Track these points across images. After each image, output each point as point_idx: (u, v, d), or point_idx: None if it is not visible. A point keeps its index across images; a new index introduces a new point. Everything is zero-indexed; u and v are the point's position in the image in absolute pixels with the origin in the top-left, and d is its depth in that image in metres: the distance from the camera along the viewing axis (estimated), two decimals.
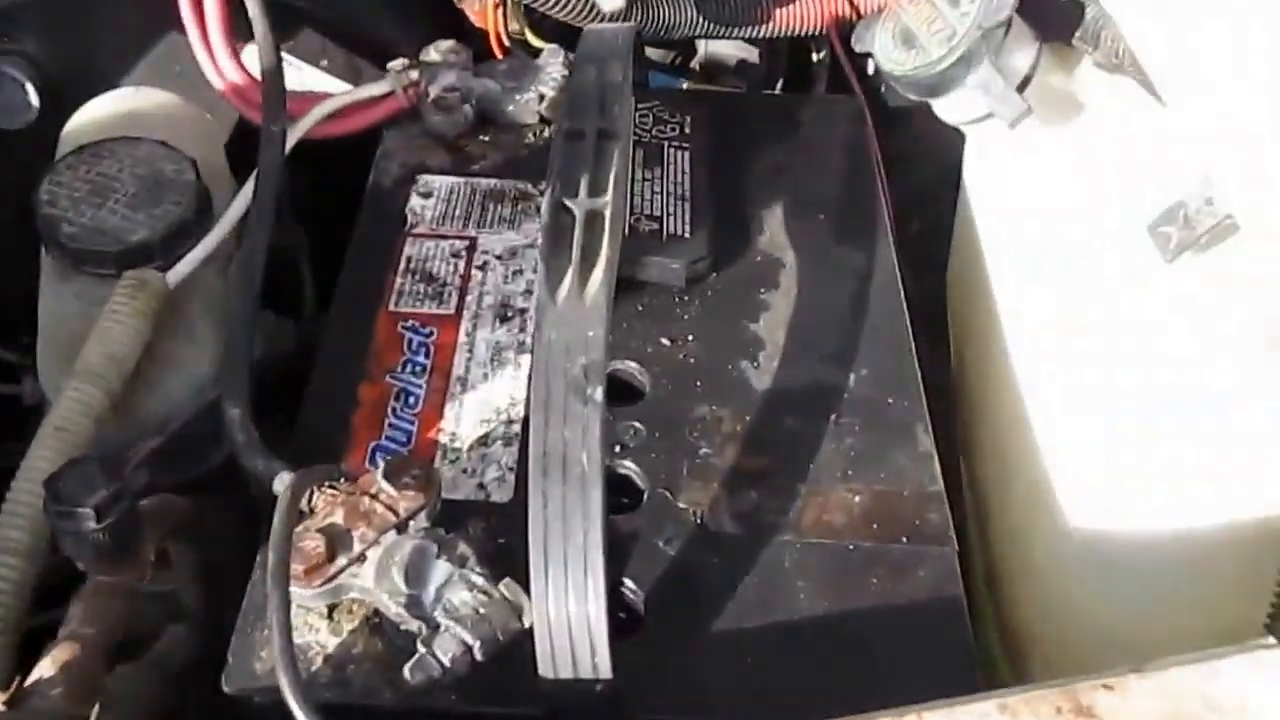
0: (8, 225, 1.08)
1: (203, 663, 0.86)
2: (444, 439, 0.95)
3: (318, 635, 0.82)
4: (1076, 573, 1.00)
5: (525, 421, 0.95)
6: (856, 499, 0.92)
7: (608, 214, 0.87)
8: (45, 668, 0.79)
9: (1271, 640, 0.67)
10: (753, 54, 1.46)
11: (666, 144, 1.20)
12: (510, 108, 1.22)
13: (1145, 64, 0.89)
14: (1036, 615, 1.05)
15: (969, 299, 1.21)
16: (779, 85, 1.48)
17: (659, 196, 1.13)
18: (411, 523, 0.82)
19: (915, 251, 1.18)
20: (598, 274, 0.83)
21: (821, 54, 1.42)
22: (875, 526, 0.90)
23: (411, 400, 0.97)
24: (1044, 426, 1.02)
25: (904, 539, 0.90)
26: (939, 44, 0.99)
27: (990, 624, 1.09)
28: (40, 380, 1.04)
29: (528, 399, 0.96)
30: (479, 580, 0.79)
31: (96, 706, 0.78)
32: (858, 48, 1.11)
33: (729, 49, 1.46)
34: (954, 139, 1.20)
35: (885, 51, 1.05)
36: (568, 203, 0.87)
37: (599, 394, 0.78)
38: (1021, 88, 0.98)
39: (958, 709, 0.62)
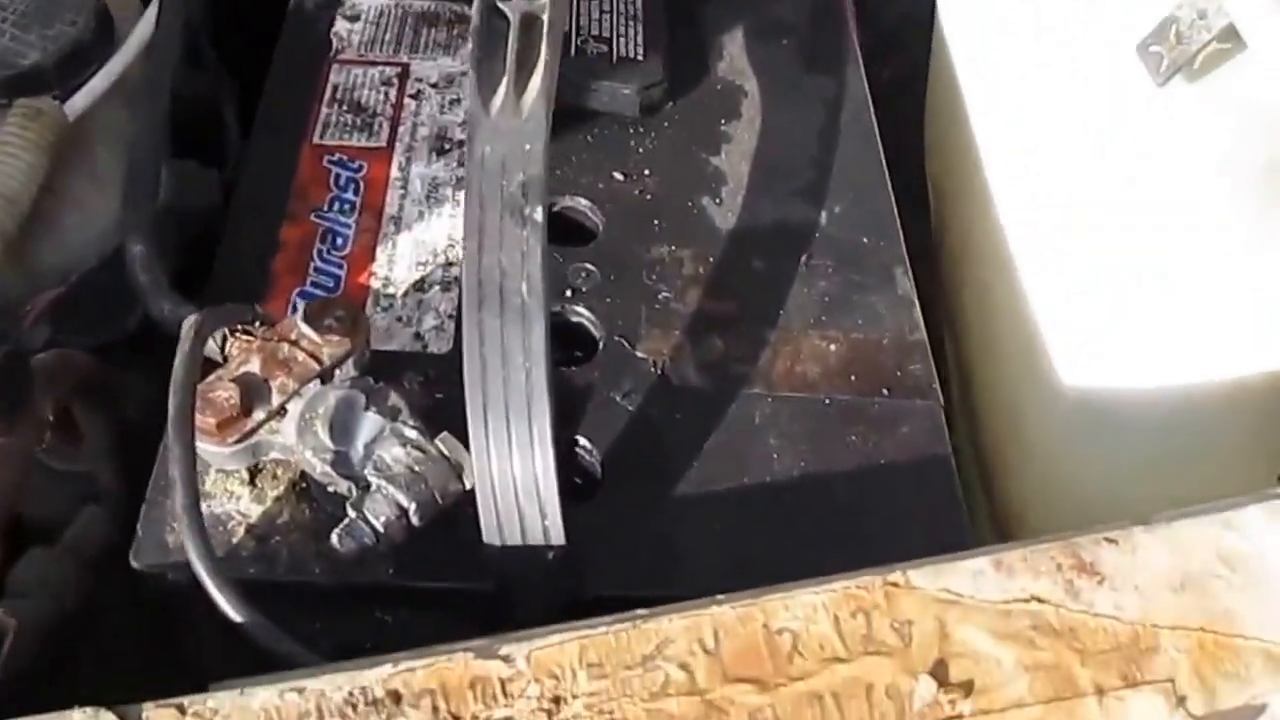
0: None
1: (122, 546, 0.79)
2: (376, 284, 0.88)
3: (238, 504, 0.76)
4: (1069, 438, 0.96)
5: None
6: (832, 348, 0.87)
7: (546, 16, 0.79)
8: None
9: None
10: None
11: None
12: None
13: None
14: (1026, 487, 1.01)
15: (948, 147, 1.15)
16: None
17: (607, 16, 1.06)
18: (337, 372, 0.75)
19: (887, 102, 1.12)
20: (535, 82, 0.76)
21: None
22: (853, 378, 0.85)
23: (339, 241, 0.90)
24: (1032, 281, 0.97)
25: (885, 391, 0.85)
26: None
27: (976, 497, 1.05)
28: None
29: None
30: (413, 435, 0.72)
31: None
32: None
33: None
34: None
35: None
36: (501, 4, 0.80)
37: (539, 214, 0.71)
38: None
39: (946, 565, 0.59)
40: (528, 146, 0.73)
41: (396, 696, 0.54)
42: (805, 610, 0.57)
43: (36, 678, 0.70)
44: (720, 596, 0.58)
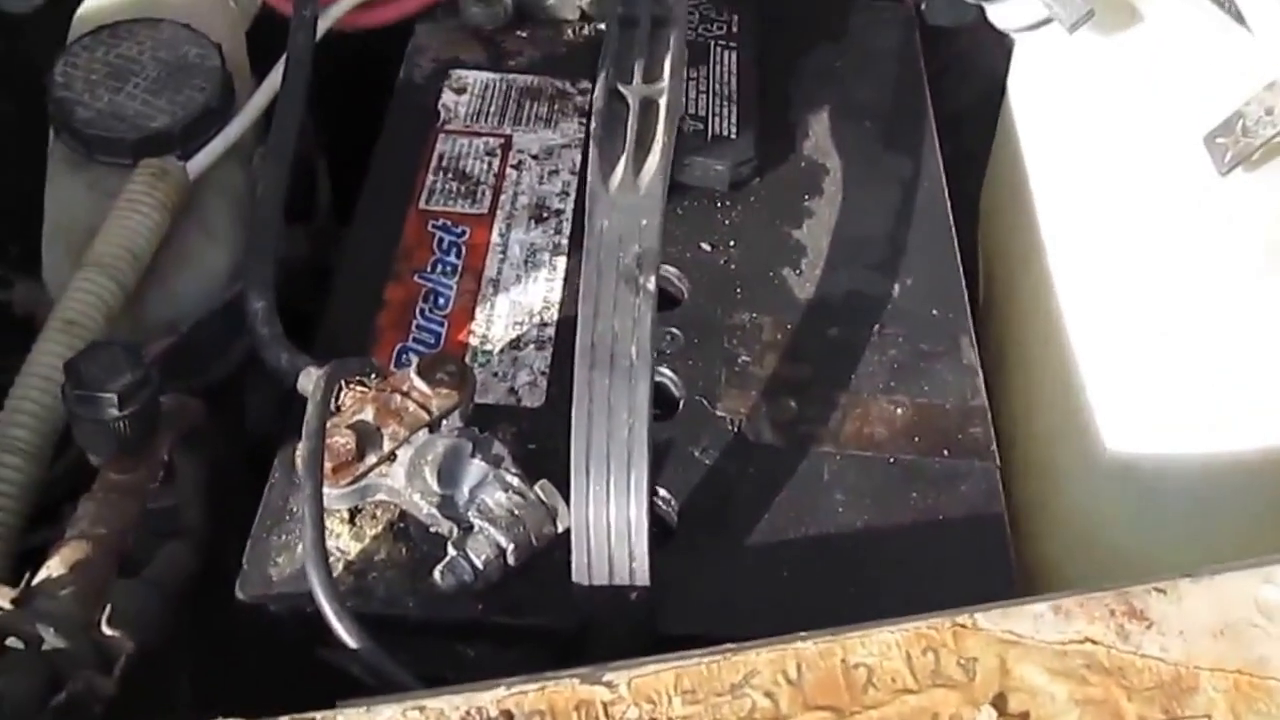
0: (7, 116, 1.05)
1: (199, 581, 0.85)
2: (474, 341, 0.92)
3: (339, 541, 0.80)
4: (1108, 499, 0.99)
5: (559, 325, 0.93)
6: (898, 411, 0.90)
7: (664, 101, 0.86)
8: (54, 567, 0.76)
9: None
10: None
11: (713, 42, 1.17)
12: (551, 1, 1.19)
13: None
14: (1061, 545, 1.04)
15: (1005, 222, 1.19)
16: None
17: (704, 96, 1.10)
18: (444, 422, 0.80)
19: (948, 176, 1.16)
20: (653, 161, 0.82)
21: None
22: (916, 439, 0.89)
23: (441, 301, 0.95)
24: (1082, 348, 1.00)
25: (945, 453, 0.88)
26: None
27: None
28: (45, 276, 1.00)
29: (562, 301, 0.95)
30: (514, 481, 0.77)
31: (107, 608, 0.75)
32: None
33: None
34: (993, 63, 1.18)
35: None
36: (622, 89, 0.86)
37: (651, 284, 0.76)
38: None
39: (1011, 609, 0.63)
40: (644, 221, 0.79)
41: (509, 716, 0.58)
42: (880, 647, 0.61)
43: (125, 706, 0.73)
44: (803, 634, 0.62)
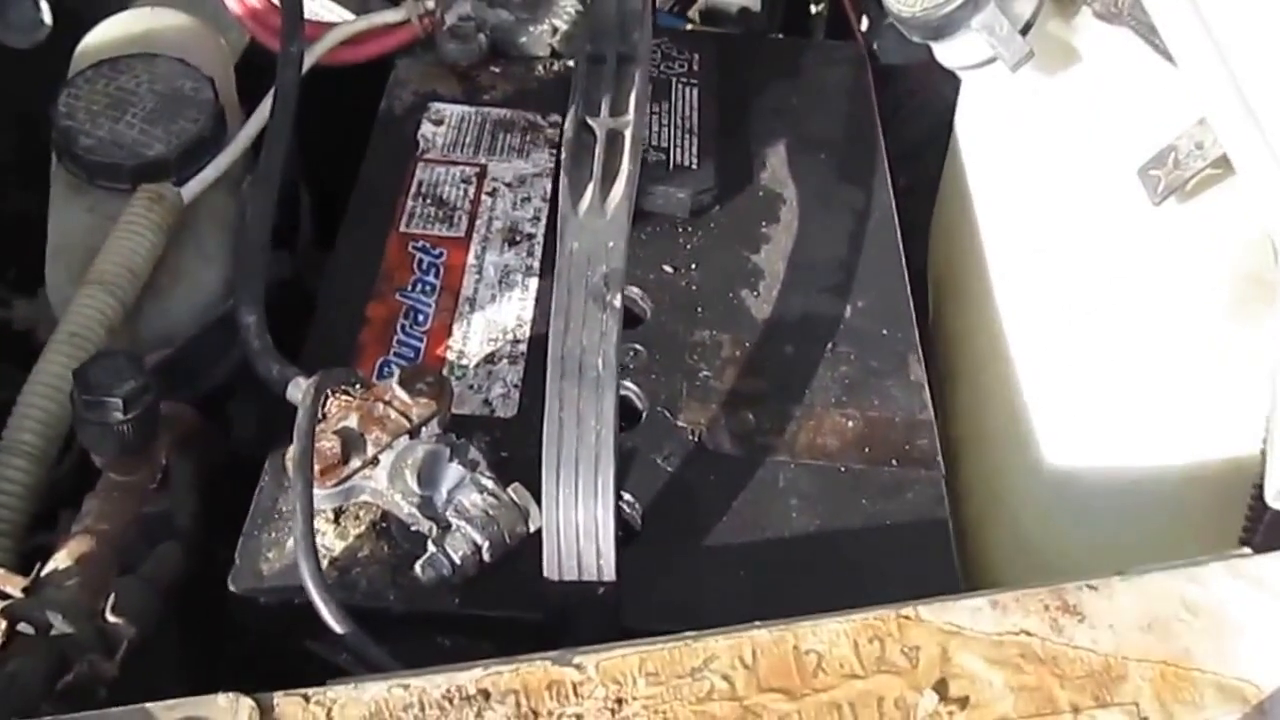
0: (5, 146, 1.09)
1: (189, 581, 0.88)
2: (452, 356, 0.97)
3: (323, 539, 0.84)
4: (1049, 511, 1.03)
5: (531, 341, 0.97)
6: (849, 424, 0.95)
7: (628, 133, 0.90)
8: (61, 559, 0.80)
9: (1246, 550, 0.71)
10: (754, 1, 1.47)
11: (675, 79, 1.22)
12: (523, 39, 1.24)
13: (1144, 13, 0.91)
14: (1004, 556, 1.08)
15: (952, 249, 1.23)
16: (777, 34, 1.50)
17: (666, 129, 1.16)
18: (424, 429, 0.84)
19: (899, 206, 1.19)
20: (618, 188, 0.86)
21: (820, 6, 1.44)
22: (866, 450, 0.93)
23: (420, 318, 0.99)
24: (1023, 366, 1.05)
25: (894, 462, 0.93)
26: None
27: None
28: (47, 293, 1.04)
29: (534, 319, 0.99)
30: (489, 484, 0.81)
31: (110, 598, 0.79)
32: None
33: None
34: (942, 99, 1.22)
35: None
36: (590, 121, 0.91)
37: (617, 301, 0.81)
38: (1023, 33, 1.00)
39: (951, 602, 0.67)
40: (610, 243, 0.83)
41: (486, 694, 0.63)
42: (830, 635, 0.66)
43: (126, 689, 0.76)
44: (758, 623, 0.66)
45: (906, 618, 0.66)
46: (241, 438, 1.01)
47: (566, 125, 0.92)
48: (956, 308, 1.21)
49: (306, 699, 0.62)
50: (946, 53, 1.05)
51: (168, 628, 0.86)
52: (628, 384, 0.95)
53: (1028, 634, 0.65)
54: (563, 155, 0.92)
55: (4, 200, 1.10)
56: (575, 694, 0.63)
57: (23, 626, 0.75)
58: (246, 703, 0.62)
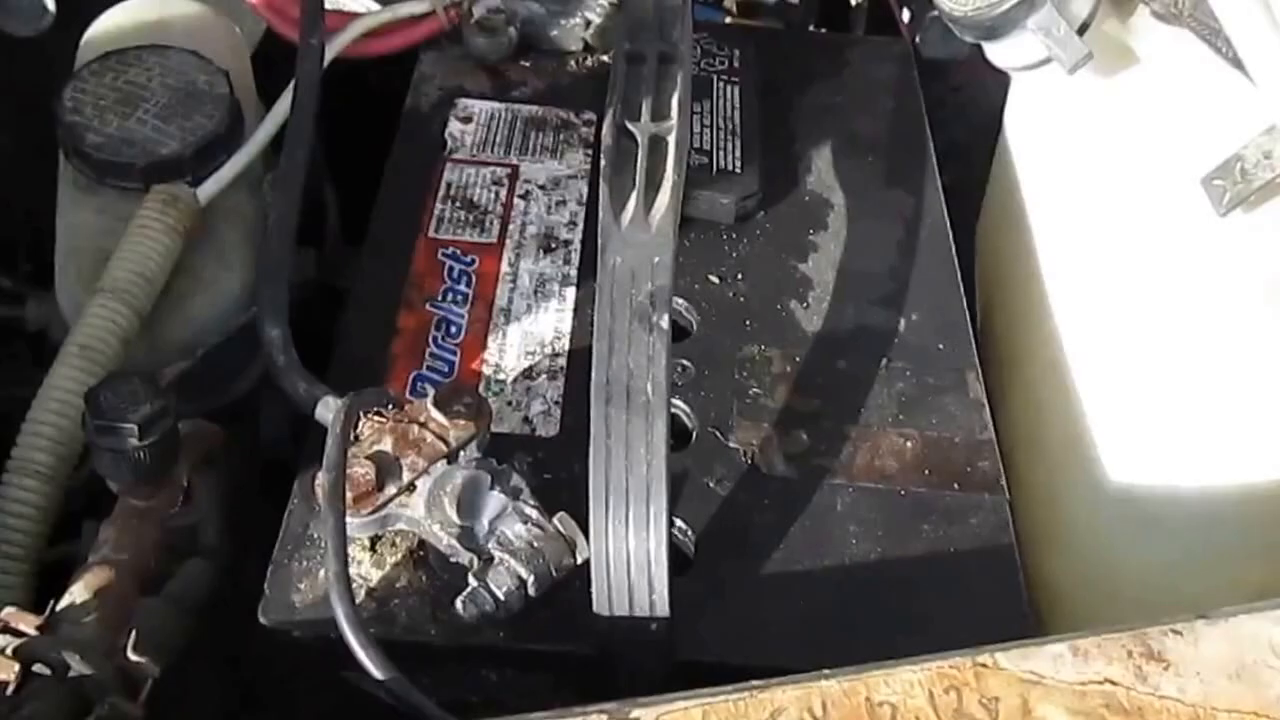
0: (12, 138, 1.05)
1: (218, 600, 0.85)
2: (488, 370, 0.93)
3: (360, 568, 0.80)
4: (1111, 529, 0.99)
5: (571, 355, 0.93)
6: (908, 444, 0.91)
7: (672, 139, 0.86)
8: (78, 593, 0.76)
9: None
10: None
11: (716, 77, 1.18)
12: (555, 32, 1.20)
13: (1207, 15, 0.88)
14: (1064, 575, 1.04)
15: (1002, 253, 1.20)
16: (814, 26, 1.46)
17: (708, 130, 1.11)
18: (462, 453, 0.80)
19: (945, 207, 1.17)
20: (663, 199, 0.82)
21: None
22: (926, 472, 0.90)
23: (453, 330, 0.95)
24: (1083, 381, 1.01)
25: (955, 486, 0.89)
26: None
27: None
28: (59, 299, 1.00)
29: (573, 331, 0.95)
30: (533, 513, 0.77)
31: (132, 633, 0.75)
32: None
33: None
34: (988, 96, 1.19)
35: None
36: (630, 126, 0.87)
37: (665, 321, 0.77)
38: (1080, 33, 0.97)
39: (1031, 649, 0.63)
40: (656, 259, 0.79)
41: None
42: (904, 686, 0.62)
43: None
44: (827, 671, 0.62)
45: (984, 666, 0.63)
46: (270, 437, 0.98)
47: (605, 129, 0.89)
48: (1008, 315, 1.17)
49: None
50: (1000, 53, 1.02)
51: (195, 652, 0.82)
52: (677, 402, 0.91)
53: (1111, 683, 0.62)
54: (602, 162, 0.88)
55: (15, 194, 1.05)
56: None
57: (38, 668, 0.71)
58: None
